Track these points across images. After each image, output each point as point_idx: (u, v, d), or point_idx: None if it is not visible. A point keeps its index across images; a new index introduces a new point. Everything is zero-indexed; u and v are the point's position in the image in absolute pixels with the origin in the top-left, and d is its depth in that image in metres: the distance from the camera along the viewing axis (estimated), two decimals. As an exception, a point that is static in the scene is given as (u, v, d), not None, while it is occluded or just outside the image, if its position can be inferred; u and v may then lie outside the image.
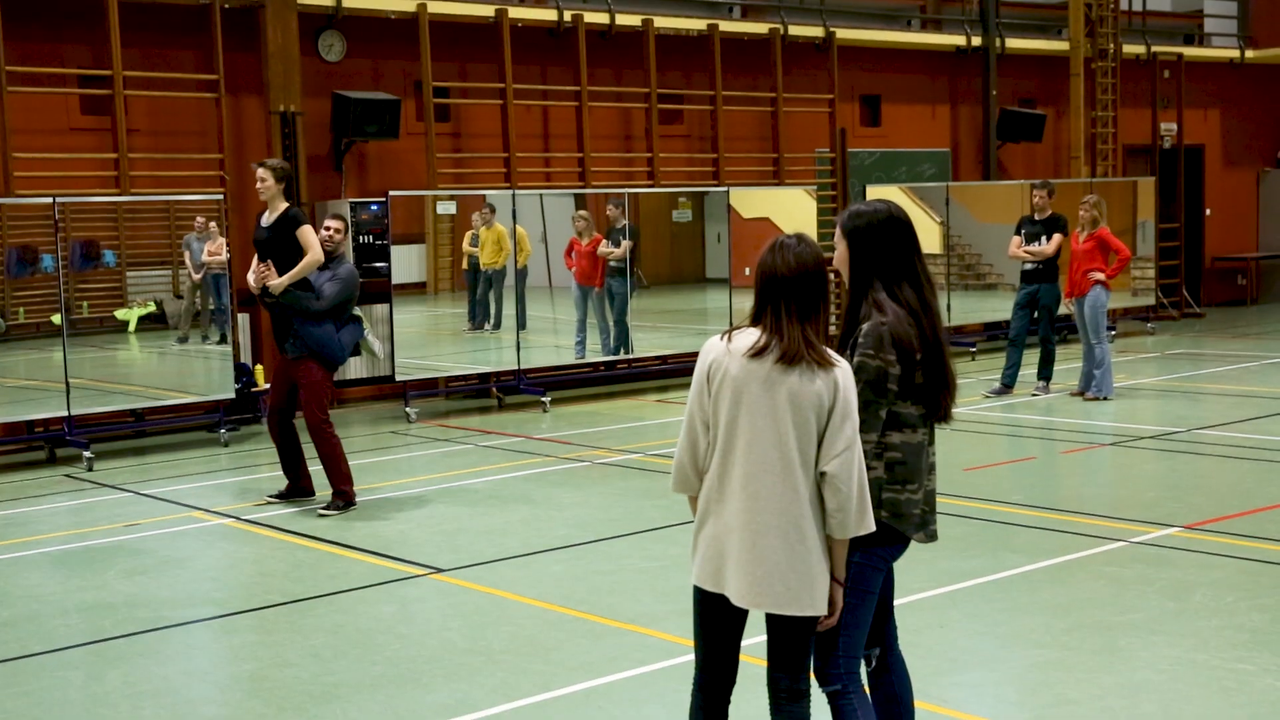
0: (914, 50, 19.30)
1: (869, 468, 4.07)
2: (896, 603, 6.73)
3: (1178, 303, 21.70)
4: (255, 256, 9.51)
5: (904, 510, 4.16)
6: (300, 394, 9.35)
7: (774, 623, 4.03)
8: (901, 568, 7.40)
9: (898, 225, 4.20)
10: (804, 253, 3.95)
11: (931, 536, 4.28)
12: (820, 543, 3.95)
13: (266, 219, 9.42)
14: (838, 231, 4.30)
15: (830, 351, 3.96)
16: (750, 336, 3.95)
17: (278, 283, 9.21)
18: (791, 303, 3.91)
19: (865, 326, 4.10)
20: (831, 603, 4.01)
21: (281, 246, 9.30)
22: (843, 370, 3.95)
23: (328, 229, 9.56)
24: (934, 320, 4.15)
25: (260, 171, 9.38)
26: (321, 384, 9.37)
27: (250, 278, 9.42)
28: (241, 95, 13.97)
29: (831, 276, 4.41)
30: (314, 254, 9.26)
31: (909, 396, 4.12)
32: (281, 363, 9.57)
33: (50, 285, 12.08)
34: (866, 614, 4.20)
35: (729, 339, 3.98)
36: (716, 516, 3.98)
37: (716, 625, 4.05)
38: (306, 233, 9.32)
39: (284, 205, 9.38)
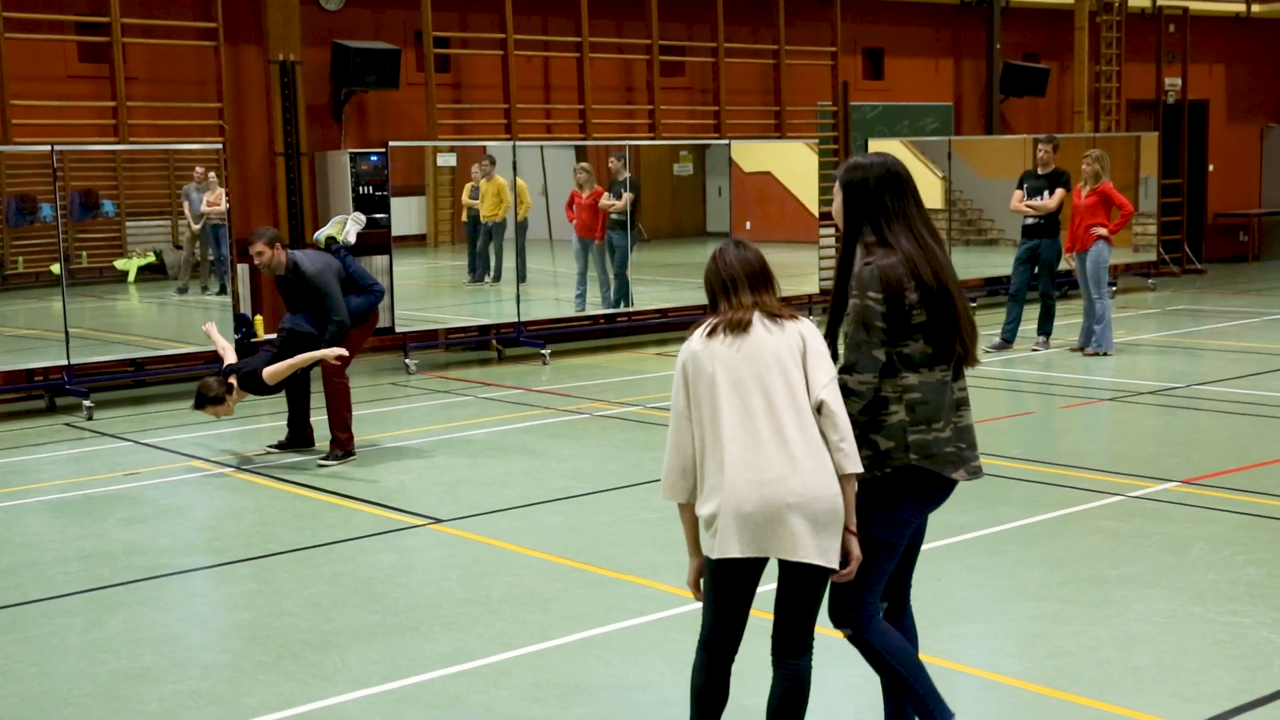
0: (918, 2, 19.17)
1: (890, 411, 4.08)
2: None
3: (1179, 259, 21.65)
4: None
5: (934, 450, 4.11)
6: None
7: (785, 574, 4.03)
8: (899, 520, 7.41)
9: (894, 180, 4.20)
10: (744, 254, 4.14)
11: (974, 473, 4.22)
12: (826, 491, 3.93)
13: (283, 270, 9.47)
14: (836, 184, 4.32)
15: (788, 308, 4.10)
16: (706, 323, 4.11)
17: (338, 352, 9.24)
18: (737, 285, 4.08)
19: (855, 270, 4.13)
20: (847, 553, 4.03)
21: (310, 292, 9.36)
22: (802, 323, 4.08)
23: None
24: (935, 264, 4.12)
25: (255, 247, 9.37)
26: (356, 336, 9.54)
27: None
28: (240, 44, 13.89)
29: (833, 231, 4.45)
30: (303, 360, 9.22)
31: (911, 336, 4.08)
32: None
33: (49, 235, 12.05)
34: (886, 565, 4.19)
35: (691, 337, 4.13)
36: (716, 487, 3.97)
37: (731, 589, 4.04)
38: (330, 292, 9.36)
39: (284, 259, 9.38)
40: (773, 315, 4.04)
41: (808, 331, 4.05)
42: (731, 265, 4.11)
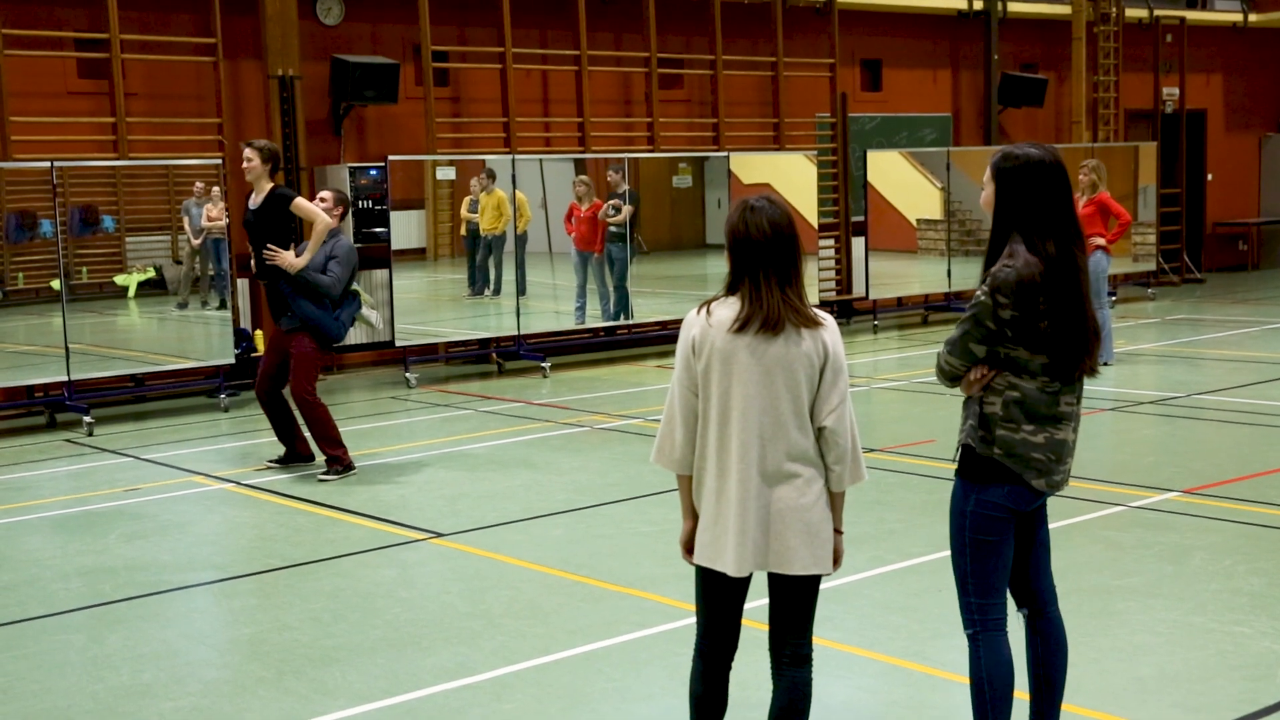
0: (915, 14, 19.20)
1: (989, 401, 4.06)
2: (900, 565, 6.82)
3: (1178, 268, 21.67)
4: (247, 239, 9.50)
5: (1019, 451, 4.04)
6: (290, 364, 9.34)
7: (777, 585, 4.03)
8: (900, 531, 7.45)
9: (1047, 170, 4.03)
10: (776, 214, 3.93)
11: (1054, 486, 4.12)
12: (820, 499, 3.96)
13: (254, 201, 9.40)
14: (988, 172, 4.17)
15: (816, 311, 3.96)
16: (730, 309, 3.92)
17: (296, 262, 9.15)
18: (770, 268, 3.89)
19: (994, 268, 4.03)
20: (836, 553, 4.03)
21: (271, 227, 9.28)
22: (829, 329, 3.96)
23: (319, 200, 9.51)
24: (1071, 274, 3.98)
25: (247, 151, 9.35)
26: (311, 357, 9.32)
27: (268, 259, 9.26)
28: (239, 59, 13.91)
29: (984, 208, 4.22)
30: (322, 221, 9.22)
31: (1029, 344, 3.99)
32: (276, 334, 9.56)
33: (49, 250, 12.06)
34: (987, 562, 4.11)
35: (709, 313, 3.95)
36: (720, 492, 3.95)
37: (721, 596, 4.04)
38: (303, 204, 9.29)
39: (269, 185, 9.34)
40: (799, 316, 3.89)
41: (831, 342, 3.94)
42: (763, 231, 3.90)
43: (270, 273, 9.24)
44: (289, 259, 9.15)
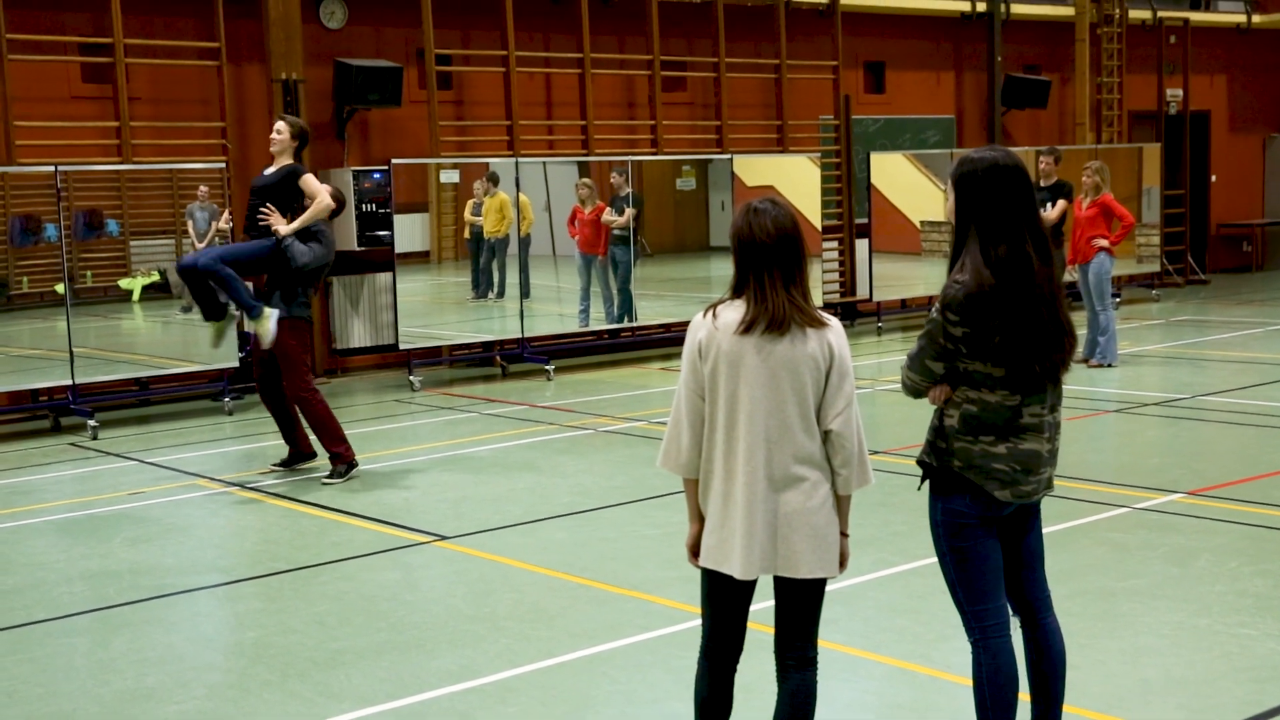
0: (918, 16, 19.20)
1: (948, 414, 4.05)
2: (905, 568, 6.82)
3: (1182, 269, 21.64)
4: (249, 204, 9.48)
5: (978, 462, 4.02)
6: (280, 365, 9.34)
7: (783, 588, 4.02)
8: (905, 534, 7.44)
9: (1001, 174, 3.96)
10: (780, 216, 3.93)
11: (1022, 496, 4.09)
12: (827, 503, 3.96)
13: (269, 169, 9.42)
14: (949, 181, 4.14)
15: (821, 312, 3.97)
16: (736, 311, 3.93)
17: (287, 229, 9.17)
18: (774, 269, 3.89)
19: (945, 284, 4.00)
20: (841, 556, 4.03)
21: (278, 198, 9.28)
22: (834, 330, 3.96)
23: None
24: (1025, 278, 3.92)
25: (279, 124, 9.41)
26: (295, 351, 9.29)
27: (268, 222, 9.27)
28: (243, 63, 13.93)
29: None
30: (322, 199, 9.24)
31: (984, 358, 3.96)
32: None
33: (54, 254, 12.07)
34: (969, 568, 4.09)
35: (714, 316, 3.95)
36: (726, 495, 3.95)
37: (726, 599, 4.04)
38: (311, 181, 9.32)
39: (289, 161, 9.37)
40: (804, 316, 3.89)
41: (836, 344, 3.93)
42: (768, 231, 3.89)
43: (259, 231, 9.24)
44: (278, 221, 9.17)
